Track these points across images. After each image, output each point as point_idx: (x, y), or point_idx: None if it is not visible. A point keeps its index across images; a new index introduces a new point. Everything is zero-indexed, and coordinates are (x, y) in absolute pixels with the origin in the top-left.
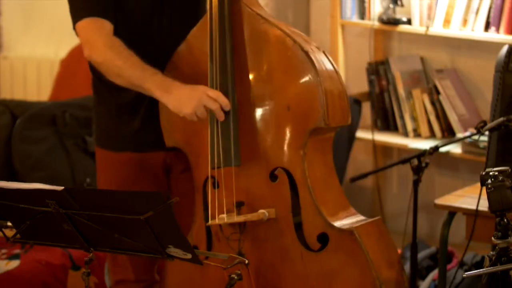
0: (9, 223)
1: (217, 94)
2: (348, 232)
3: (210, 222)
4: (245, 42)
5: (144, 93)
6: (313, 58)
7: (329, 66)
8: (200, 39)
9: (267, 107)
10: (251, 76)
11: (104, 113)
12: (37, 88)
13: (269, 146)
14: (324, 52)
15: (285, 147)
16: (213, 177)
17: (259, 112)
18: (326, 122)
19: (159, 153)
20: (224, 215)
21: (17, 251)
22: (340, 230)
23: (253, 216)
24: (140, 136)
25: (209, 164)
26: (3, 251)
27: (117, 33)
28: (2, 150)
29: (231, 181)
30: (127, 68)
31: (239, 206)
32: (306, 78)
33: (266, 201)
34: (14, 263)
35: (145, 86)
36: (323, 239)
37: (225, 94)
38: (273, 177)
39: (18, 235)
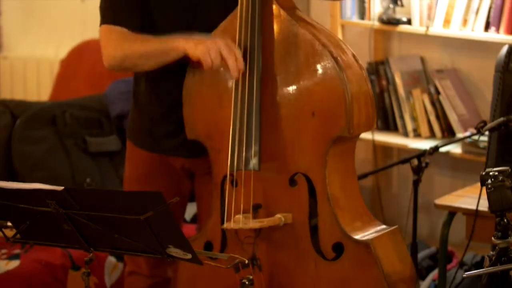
0: (9, 223)
1: (234, 47)
2: (364, 244)
3: (225, 225)
4: (274, 43)
5: (173, 59)
6: (342, 64)
7: (358, 72)
8: (229, 33)
9: (291, 111)
10: (277, 78)
11: (133, 106)
12: (37, 88)
13: (291, 151)
14: (354, 56)
15: (307, 153)
16: (232, 175)
17: (283, 115)
18: (350, 131)
19: (178, 159)
20: (240, 216)
21: (17, 251)
22: (356, 241)
23: (268, 221)
24: (160, 140)
25: (228, 166)
26: (3, 251)
27: None
28: (2, 150)
29: (249, 183)
30: (145, 46)
31: (256, 208)
32: (333, 85)
33: (284, 205)
34: (14, 263)
35: (169, 46)
36: (338, 248)
37: (250, 99)
38: (292, 182)
39: (18, 235)
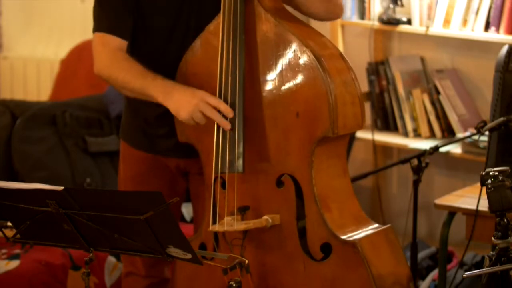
0: (9, 223)
1: (217, 102)
2: (351, 244)
3: (210, 227)
4: (257, 44)
5: (151, 100)
6: (325, 64)
7: (344, 72)
8: (215, 37)
9: (276, 112)
10: (261, 79)
11: (126, 107)
12: (37, 88)
13: (277, 152)
14: (341, 55)
15: (293, 154)
16: (222, 177)
17: (268, 117)
18: (334, 131)
19: (172, 159)
20: (225, 220)
21: (17, 251)
22: (343, 241)
23: (255, 223)
24: (155, 140)
25: (213, 169)
26: (3, 251)
27: (140, 50)
28: (2, 150)
29: (237, 185)
30: (129, 79)
31: (244, 210)
32: (316, 85)
33: (272, 207)
34: (14, 263)
35: (148, 93)
36: (326, 249)
37: (233, 99)
38: (279, 183)
39: (18, 235)
